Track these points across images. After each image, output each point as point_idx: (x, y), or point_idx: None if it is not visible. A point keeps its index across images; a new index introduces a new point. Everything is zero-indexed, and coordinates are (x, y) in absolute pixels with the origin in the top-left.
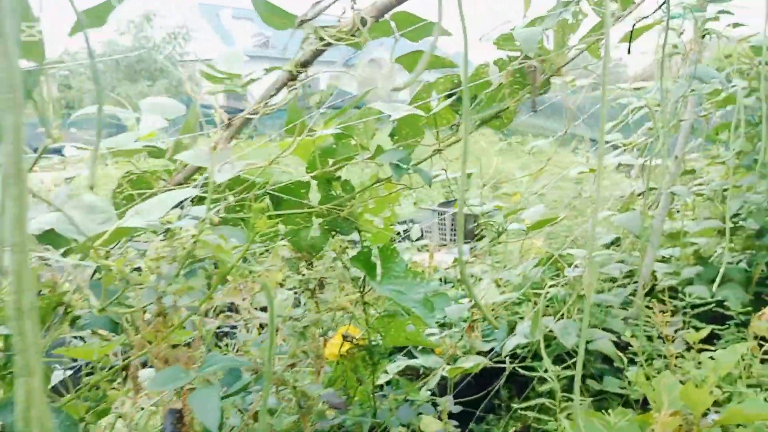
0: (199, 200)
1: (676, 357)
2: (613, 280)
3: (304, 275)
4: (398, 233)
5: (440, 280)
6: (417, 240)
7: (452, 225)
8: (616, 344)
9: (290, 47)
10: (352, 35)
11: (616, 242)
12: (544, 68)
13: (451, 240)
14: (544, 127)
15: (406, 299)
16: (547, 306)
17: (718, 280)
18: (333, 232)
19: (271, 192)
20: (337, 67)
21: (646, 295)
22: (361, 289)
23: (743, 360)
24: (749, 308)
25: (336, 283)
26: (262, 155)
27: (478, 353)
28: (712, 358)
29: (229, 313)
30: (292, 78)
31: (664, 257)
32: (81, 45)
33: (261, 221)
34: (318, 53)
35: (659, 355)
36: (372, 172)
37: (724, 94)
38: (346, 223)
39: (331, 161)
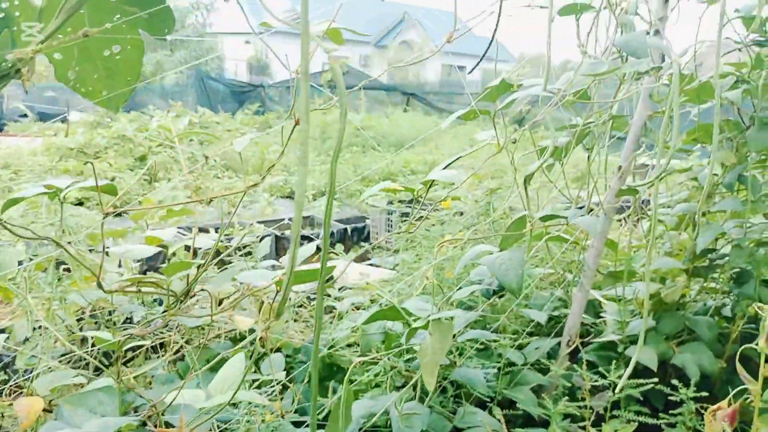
0: None
1: None
2: (538, 328)
3: None
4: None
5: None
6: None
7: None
8: (527, 419)
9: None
10: None
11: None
12: None
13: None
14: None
15: None
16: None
17: (634, 341)
18: None
19: None
20: (369, 47)
21: (573, 354)
22: None
23: None
24: (712, 388)
25: None
26: None
27: None
28: None
29: None
30: None
31: (615, 298)
32: None
33: None
34: None
35: None
36: None
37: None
38: None
39: None
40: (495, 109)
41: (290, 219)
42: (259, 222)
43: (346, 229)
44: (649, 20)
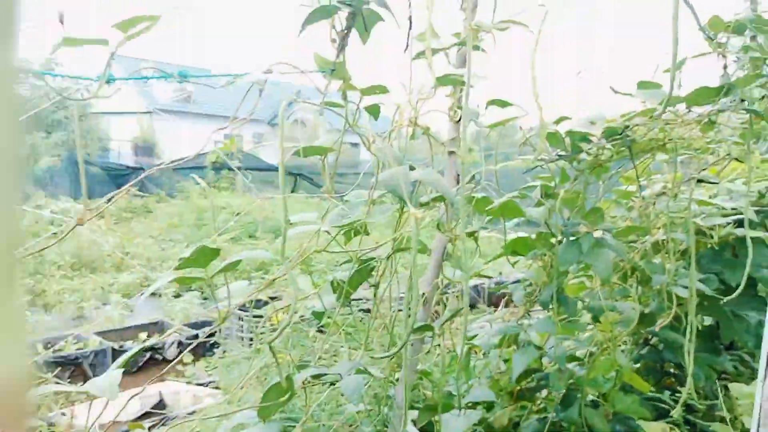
0: None
1: None
2: None
3: None
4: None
5: None
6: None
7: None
8: None
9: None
10: None
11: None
12: None
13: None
14: None
15: None
16: None
17: None
18: None
19: None
20: (263, 125)
21: None
22: None
23: None
24: None
25: None
26: None
27: None
28: None
29: None
30: None
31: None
32: None
33: None
34: None
35: None
36: None
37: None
38: None
39: None
40: (208, 278)
41: (137, 327)
42: (98, 333)
43: (197, 335)
44: (441, 142)
